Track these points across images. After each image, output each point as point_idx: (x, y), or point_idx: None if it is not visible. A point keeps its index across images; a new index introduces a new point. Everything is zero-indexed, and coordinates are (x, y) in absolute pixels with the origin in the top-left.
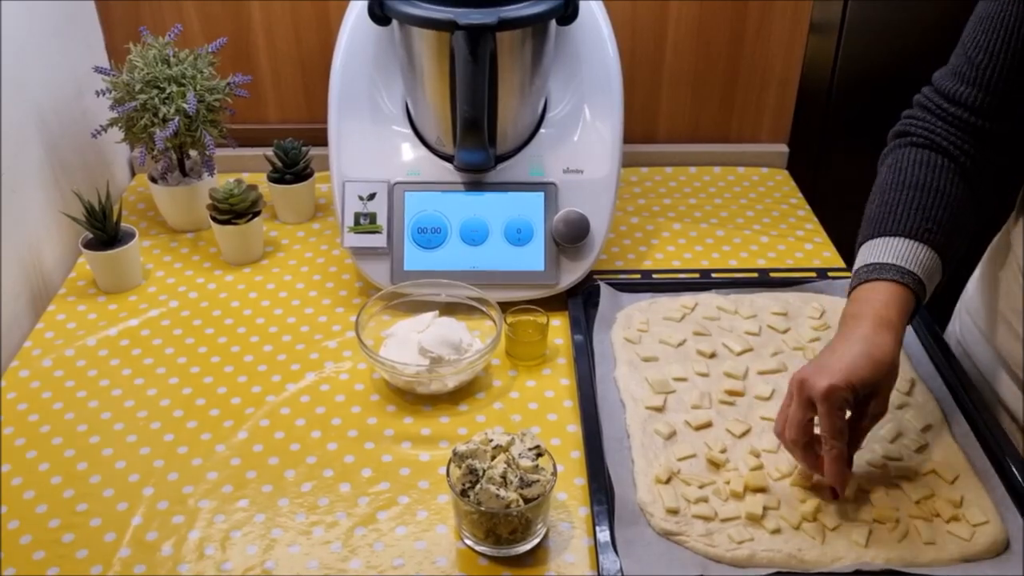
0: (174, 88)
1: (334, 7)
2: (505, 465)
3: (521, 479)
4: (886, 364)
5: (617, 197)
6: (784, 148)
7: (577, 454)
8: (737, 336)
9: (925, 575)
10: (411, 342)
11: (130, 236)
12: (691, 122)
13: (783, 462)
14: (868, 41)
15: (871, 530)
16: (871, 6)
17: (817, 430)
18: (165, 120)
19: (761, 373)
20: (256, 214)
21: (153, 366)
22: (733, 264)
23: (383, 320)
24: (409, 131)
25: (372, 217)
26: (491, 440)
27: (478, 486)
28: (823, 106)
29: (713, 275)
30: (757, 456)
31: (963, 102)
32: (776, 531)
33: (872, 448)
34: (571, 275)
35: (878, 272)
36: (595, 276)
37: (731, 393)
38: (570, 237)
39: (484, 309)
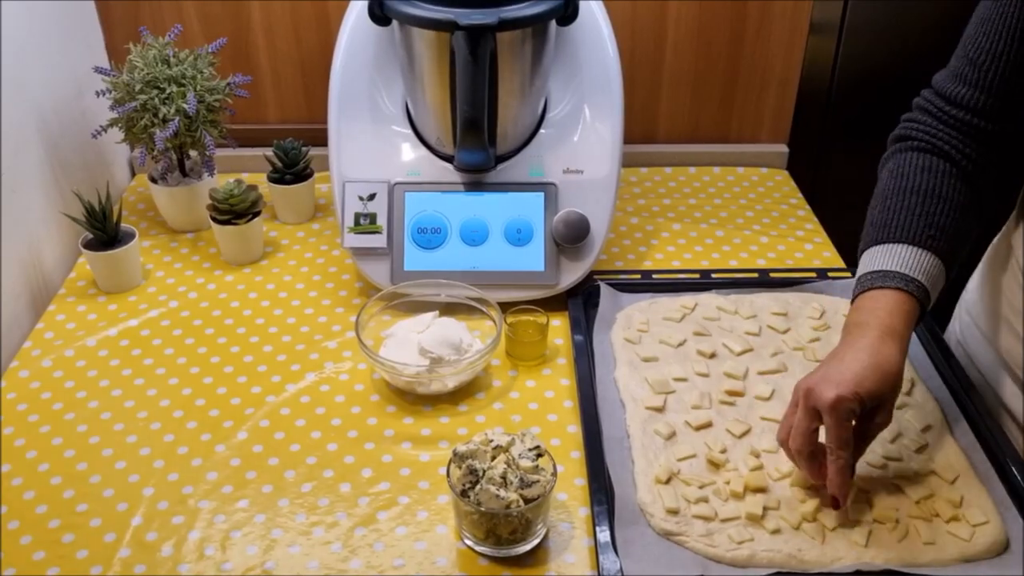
0: (174, 88)
1: (334, 7)
2: (505, 465)
3: (521, 479)
4: (892, 374)
5: (617, 197)
6: (784, 148)
7: (577, 454)
8: (737, 336)
9: (925, 575)
10: (411, 342)
11: (130, 236)
12: (691, 122)
13: (783, 462)
14: (868, 41)
15: (871, 530)
16: (871, 6)
17: (821, 439)
18: (165, 120)
19: (761, 373)
20: (256, 214)
21: (153, 366)
22: (733, 264)
23: (383, 320)
24: (409, 131)
25: (372, 217)
26: (491, 440)
27: (478, 486)
28: (823, 106)
29: (713, 275)
30: (757, 456)
31: (965, 104)
32: (776, 531)
33: (872, 448)
34: (571, 275)
35: (882, 280)
36: (595, 276)
37: (731, 393)
38: (570, 237)
39: (484, 309)
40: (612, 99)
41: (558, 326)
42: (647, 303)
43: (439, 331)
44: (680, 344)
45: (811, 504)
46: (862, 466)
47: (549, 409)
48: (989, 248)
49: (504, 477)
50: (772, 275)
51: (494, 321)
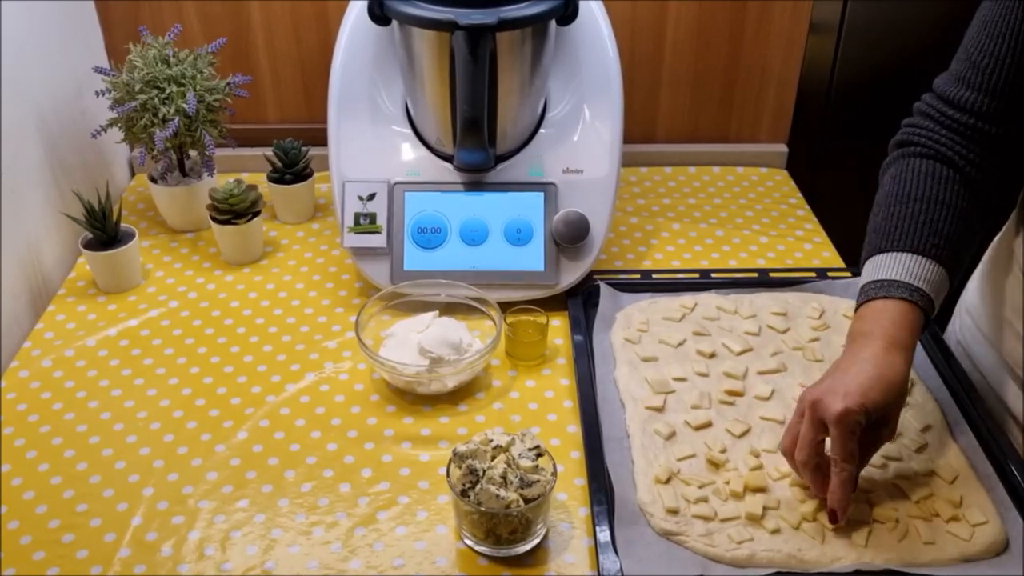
0: (174, 88)
1: (334, 7)
2: (505, 465)
3: (521, 479)
4: (897, 386)
5: (617, 197)
6: (783, 148)
7: (577, 454)
8: (737, 336)
9: (925, 575)
10: (411, 342)
11: (130, 236)
12: (690, 122)
13: (783, 462)
14: (868, 41)
15: (871, 530)
16: (871, 6)
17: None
18: (165, 120)
19: (761, 373)
20: (256, 214)
21: (153, 366)
22: (733, 264)
23: (383, 320)
24: (409, 131)
25: (372, 217)
26: (491, 440)
27: (478, 486)
28: (822, 106)
29: (713, 275)
30: (757, 456)
31: (967, 107)
32: (776, 531)
33: None
34: (571, 275)
35: (886, 289)
36: (595, 276)
37: (731, 393)
38: (570, 237)
39: (484, 309)
40: (612, 99)
41: (558, 326)
42: (647, 303)
43: (439, 331)
44: (680, 344)
45: (811, 504)
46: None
47: (549, 409)
48: (989, 249)
49: (504, 477)
50: (772, 275)
51: (494, 321)
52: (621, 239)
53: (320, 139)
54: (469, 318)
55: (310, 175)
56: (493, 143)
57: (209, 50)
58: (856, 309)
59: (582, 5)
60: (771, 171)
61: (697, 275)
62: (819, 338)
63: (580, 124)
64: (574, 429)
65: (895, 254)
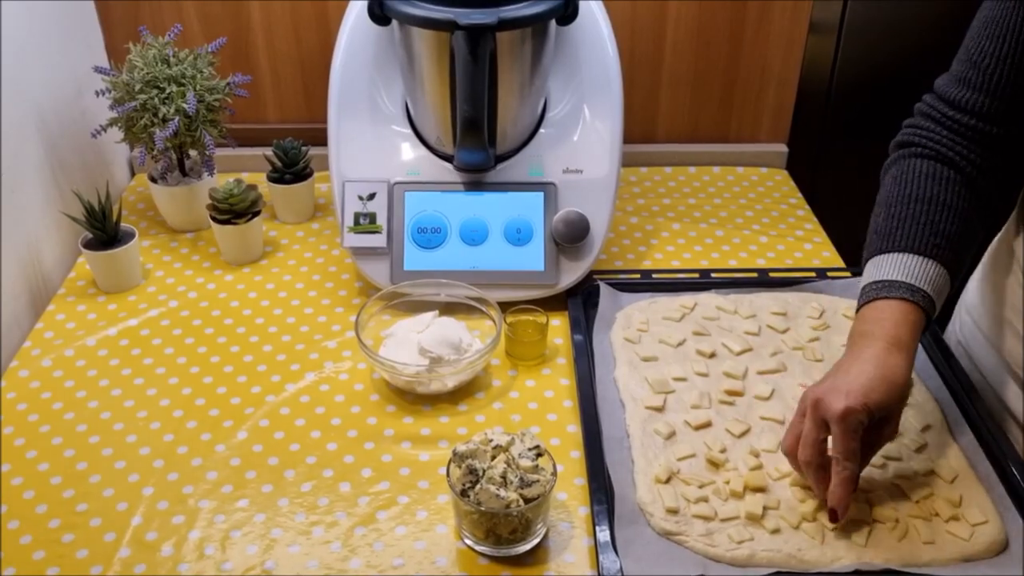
0: (174, 88)
1: (334, 7)
2: (505, 465)
3: (521, 479)
4: (899, 386)
5: (617, 197)
6: (783, 148)
7: (577, 454)
8: (736, 336)
9: (924, 575)
10: (411, 342)
11: (130, 236)
12: (690, 122)
13: (783, 462)
14: (868, 41)
15: (870, 530)
16: (871, 6)
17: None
18: (165, 120)
19: (760, 373)
20: (256, 214)
21: (153, 366)
22: (732, 264)
23: (383, 320)
24: (409, 131)
25: (372, 217)
26: (491, 440)
27: (478, 486)
28: (822, 106)
29: (712, 275)
30: (757, 456)
31: (968, 108)
32: (776, 531)
33: None
34: (571, 275)
35: (888, 290)
36: (595, 276)
37: (731, 393)
38: (570, 237)
39: (484, 309)
40: (612, 99)
41: (558, 326)
42: (647, 303)
43: (439, 331)
44: (680, 344)
45: (811, 504)
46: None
47: (549, 409)
48: (989, 249)
49: (504, 477)
50: (771, 275)
51: (494, 321)
52: (621, 239)
53: (320, 139)
54: (469, 318)
55: (310, 175)
56: (493, 143)
57: (209, 50)
58: (857, 310)
59: (582, 5)
60: (771, 171)
61: (697, 275)
62: (819, 338)
63: (580, 124)
64: (574, 429)
65: (897, 255)
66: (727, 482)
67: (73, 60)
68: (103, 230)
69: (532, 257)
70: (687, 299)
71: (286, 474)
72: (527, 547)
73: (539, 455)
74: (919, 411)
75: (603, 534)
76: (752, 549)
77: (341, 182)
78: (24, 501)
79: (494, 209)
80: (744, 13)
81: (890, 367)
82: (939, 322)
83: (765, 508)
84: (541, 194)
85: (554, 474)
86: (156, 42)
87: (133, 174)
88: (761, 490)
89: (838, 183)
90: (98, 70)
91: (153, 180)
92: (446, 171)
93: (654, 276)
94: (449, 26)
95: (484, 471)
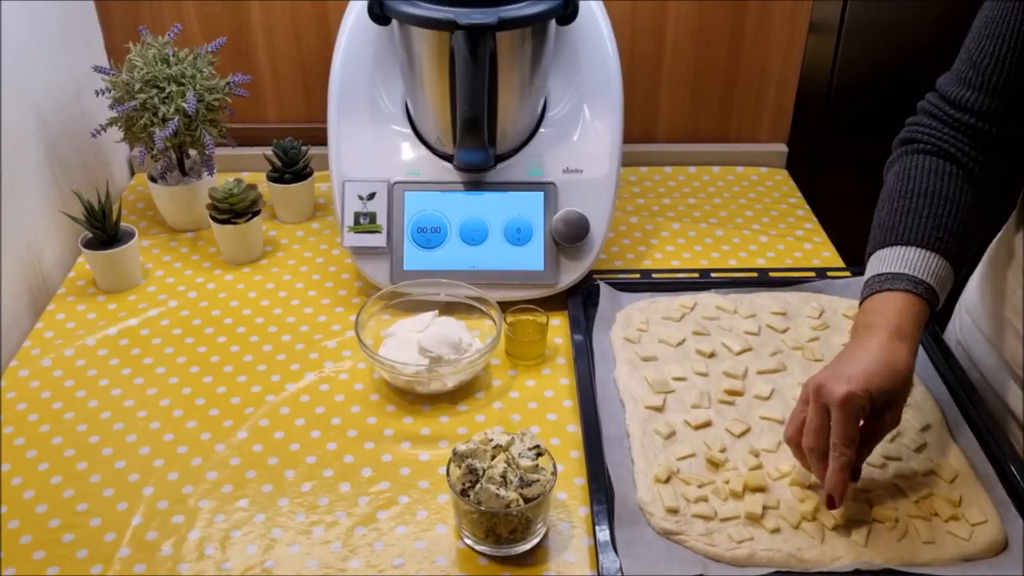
0: (174, 87)
1: (334, 7)
2: (505, 465)
3: (521, 479)
4: (902, 374)
5: (616, 197)
6: (783, 148)
7: (577, 454)
8: (736, 336)
9: (924, 574)
10: (411, 342)
11: (130, 236)
12: (690, 122)
13: (783, 462)
14: (867, 41)
15: (870, 529)
16: (871, 6)
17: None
18: (165, 119)
19: (760, 373)
20: (255, 214)
21: (153, 366)
22: (732, 264)
23: (383, 320)
24: (409, 131)
25: (372, 217)
26: (491, 440)
27: (478, 486)
28: (822, 106)
29: (712, 275)
30: (756, 456)
31: (969, 107)
32: (776, 530)
33: None
34: (571, 275)
35: (891, 282)
36: (594, 276)
37: (730, 393)
38: (570, 237)
39: (484, 309)
40: (612, 99)
41: (558, 325)
42: (646, 302)
43: (439, 330)
44: (679, 343)
45: (810, 503)
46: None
47: (549, 408)
48: (990, 248)
49: (504, 476)
50: (771, 274)
51: (494, 320)
52: (621, 239)
53: (320, 139)
54: (469, 318)
55: (310, 175)
56: (493, 143)
57: (209, 49)
58: (861, 303)
59: (582, 5)
60: (771, 171)
61: (697, 275)
62: (819, 338)
63: (580, 124)
64: (574, 428)
65: (899, 248)
66: (727, 482)
67: (73, 60)
68: (103, 230)
69: (532, 257)
70: (687, 299)
71: (286, 474)
72: (527, 547)
73: (539, 455)
74: (919, 411)
75: (603, 534)
76: (752, 549)
77: (341, 182)
78: (24, 501)
79: (494, 209)
80: (744, 13)
81: (893, 355)
82: (939, 322)
83: (765, 508)
84: (541, 194)
85: (554, 474)
86: (156, 42)
87: (133, 174)
88: (761, 490)
89: (838, 183)
90: (98, 70)
91: (153, 180)
92: (446, 171)
93: (654, 276)
94: (449, 26)
95: (484, 471)
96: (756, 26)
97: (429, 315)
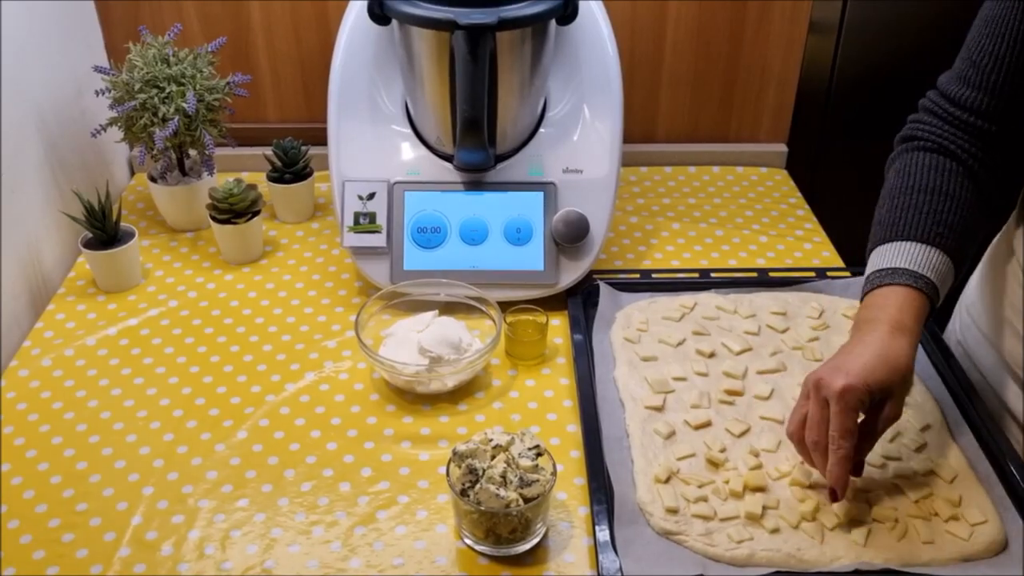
0: (173, 87)
1: (333, 7)
2: (505, 465)
3: (521, 479)
4: (902, 367)
5: (616, 197)
6: (783, 148)
7: (577, 454)
8: (736, 336)
9: (924, 574)
10: (411, 342)
11: (130, 235)
12: (690, 122)
13: (782, 462)
14: (867, 41)
15: (870, 529)
16: (870, 6)
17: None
18: (165, 119)
19: (760, 373)
20: (255, 214)
21: (153, 366)
22: (732, 264)
23: (383, 320)
24: (409, 131)
25: (372, 217)
26: (491, 440)
27: (478, 486)
28: (822, 106)
29: (712, 275)
30: (756, 456)
31: (968, 106)
32: (775, 530)
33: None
34: (570, 275)
35: (891, 277)
36: (594, 276)
37: (730, 393)
38: (569, 237)
39: (484, 309)
40: (612, 99)
41: (557, 325)
42: (646, 302)
43: (439, 330)
44: (679, 343)
45: (810, 503)
46: None
47: (548, 408)
48: (989, 248)
49: (504, 476)
50: (771, 274)
51: (493, 320)
52: (621, 239)
53: (320, 139)
54: (469, 318)
55: (310, 175)
56: (493, 143)
57: (209, 49)
58: (862, 299)
59: (582, 5)
60: (771, 171)
61: (697, 275)
62: (818, 338)
63: (580, 124)
64: (574, 428)
65: (900, 243)
66: (727, 482)
67: (73, 60)
68: (103, 230)
69: (532, 257)
70: (687, 299)
71: (286, 474)
72: (527, 547)
73: (539, 455)
74: (919, 411)
75: (603, 534)
76: (751, 549)
77: (341, 182)
78: (24, 501)
79: (494, 209)
80: (744, 13)
81: (892, 348)
82: (939, 322)
83: (764, 508)
84: (541, 194)
85: (554, 474)
86: (156, 42)
87: (133, 174)
88: (761, 490)
89: (838, 183)
90: (98, 70)
91: (153, 180)
92: (446, 171)
93: (654, 276)
94: (449, 26)
95: (484, 471)
96: (756, 26)
97: (429, 315)
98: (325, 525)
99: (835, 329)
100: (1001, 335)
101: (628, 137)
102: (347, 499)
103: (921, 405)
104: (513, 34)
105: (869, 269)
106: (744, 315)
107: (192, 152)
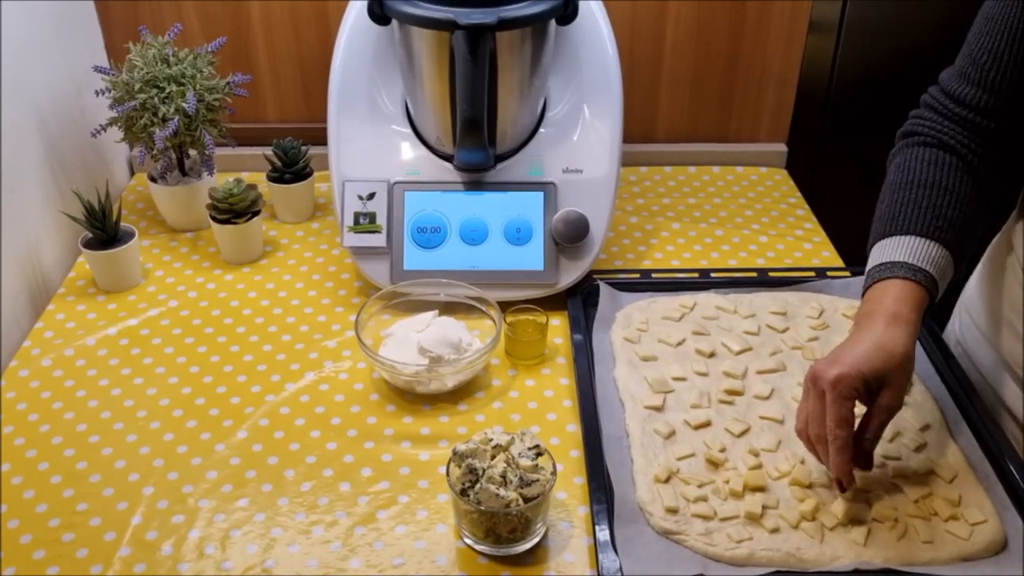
0: (173, 87)
1: (333, 7)
2: (505, 464)
3: (521, 478)
4: (898, 355)
5: (616, 197)
6: (783, 147)
7: (576, 453)
8: (736, 336)
9: (924, 574)
10: (410, 342)
11: (129, 235)
12: (690, 122)
13: (782, 461)
14: (867, 41)
15: (870, 529)
16: (870, 6)
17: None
18: (165, 119)
19: (760, 372)
20: (255, 213)
21: (152, 365)
22: (732, 264)
23: (383, 320)
24: (409, 131)
25: (372, 217)
26: (491, 439)
27: (478, 485)
28: (822, 105)
29: (712, 275)
30: (756, 455)
31: (968, 103)
32: (775, 530)
33: None
34: (570, 275)
35: (890, 271)
36: (594, 276)
37: (730, 392)
38: (569, 237)
39: (483, 308)
40: (611, 98)
41: (557, 325)
42: (646, 302)
43: (438, 330)
44: (679, 343)
45: (810, 503)
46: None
47: (548, 408)
48: (989, 247)
49: (504, 476)
50: (771, 274)
51: (493, 320)
52: (621, 239)
53: (320, 138)
54: (469, 317)
55: (310, 174)
56: (493, 143)
57: (209, 49)
58: (863, 294)
59: (582, 5)
60: (770, 171)
61: (696, 275)
62: (818, 337)
63: (580, 124)
64: (573, 428)
65: (899, 237)
66: (726, 481)
67: (73, 60)
68: (103, 230)
69: (532, 257)
70: (687, 299)
71: (286, 473)
72: (527, 546)
73: (539, 454)
74: (918, 410)
75: (603, 533)
76: (751, 548)
77: (341, 182)
78: (24, 501)
79: (494, 209)
80: (743, 13)
81: (888, 338)
82: (938, 321)
83: (764, 507)
84: (541, 194)
85: (554, 473)
86: (156, 42)
87: (133, 174)
88: (760, 489)
89: (838, 182)
90: (98, 70)
91: (153, 180)
92: (446, 171)
93: (654, 276)
94: (449, 26)
95: (484, 470)
96: (756, 26)
97: (429, 315)
98: (325, 525)
99: (835, 329)
100: (1000, 334)
101: (628, 137)
102: (347, 499)
103: (920, 405)
104: (513, 34)
105: (869, 264)
106: (744, 315)
107: (192, 152)
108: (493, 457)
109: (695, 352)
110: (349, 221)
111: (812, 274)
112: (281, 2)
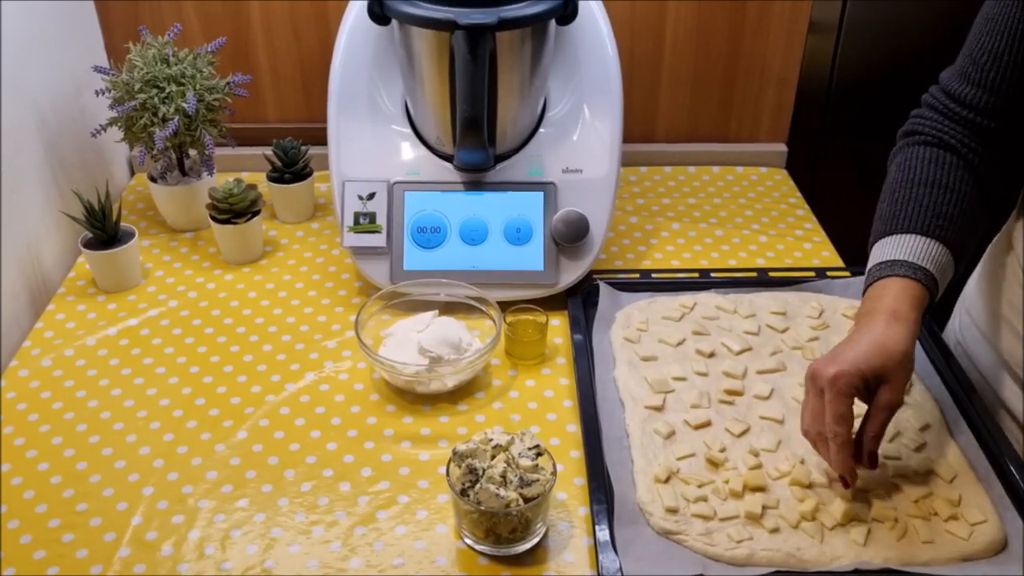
0: (173, 87)
1: (333, 7)
2: (505, 464)
3: (521, 478)
4: (897, 352)
5: (616, 197)
6: (783, 147)
7: (577, 453)
8: (736, 335)
9: (923, 574)
10: (410, 342)
11: (129, 235)
12: (690, 122)
13: (782, 461)
14: (867, 41)
15: (869, 529)
16: (870, 6)
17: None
18: (164, 119)
19: (760, 372)
20: (255, 213)
21: (153, 366)
22: (732, 263)
23: (383, 320)
24: (409, 131)
25: (372, 217)
26: (491, 439)
27: (478, 485)
28: (822, 105)
29: (712, 274)
30: (756, 455)
31: (968, 103)
32: (775, 530)
33: None
34: (570, 275)
35: (890, 269)
36: (594, 276)
37: (730, 392)
38: (569, 237)
39: (483, 308)
40: (611, 98)
41: (557, 325)
42: (646, 302)
43: (438, 330)
44: (679, 343)
45: (810, 503)
46: (860, 465)
47: (548, 408)
48: (989, 247)
49: (504, 476)
50: (771, 274)
51: (493, 320)
52: (621, 239)
53: (320, 138)
54: (469, 317)
55: (310, 174)
56: (493, 143)
57: (209, 49)
58: (864, 293)
59: (582, 5)
60: (770, 171)
61: (696, 274)
62: (818, 337)
63: (580, 124)
64: (574, 428)
65: (899, 236)
66: (726, 481)
67: (73, 60)
68: (103, 230)
69: (532, 257)
70: (687, 299)
71: (286, 473)
72: (527, 546)
73: (539, 454)
74: (918, 410)
75: (603, 533)
76: (751, 548)
77: (341, 182)
78: (24, 501)
79: (494, 209)
80: (744, 13)
81: (887, 335)
82: (938, 321)
83: (764, 507)
84: (541, 194)
85: (554, 473)
86: (156, 42)
87: (133, 174)
88: (760, 489)
89: (837, 183)
90: (98, 70)
91: (153, 180)
92: (446, 171)
93: (654, 276)
94: (449, 26)
95: (484, 470)
96: (756, 26)
97: (429, 315)
98: (325, 525)
99: (835, 329)
100: (1000, 334)
101: (628, 137)
102: (347, 499)
103: (920, 404)
104: (513, 34)
105: (870, 263)
106: (744, 315)
107: (192, 152)
108: (493, 457)
109: (695, 352)
110: (349, 221)
111: (812, 274)
112: (281, 2)
